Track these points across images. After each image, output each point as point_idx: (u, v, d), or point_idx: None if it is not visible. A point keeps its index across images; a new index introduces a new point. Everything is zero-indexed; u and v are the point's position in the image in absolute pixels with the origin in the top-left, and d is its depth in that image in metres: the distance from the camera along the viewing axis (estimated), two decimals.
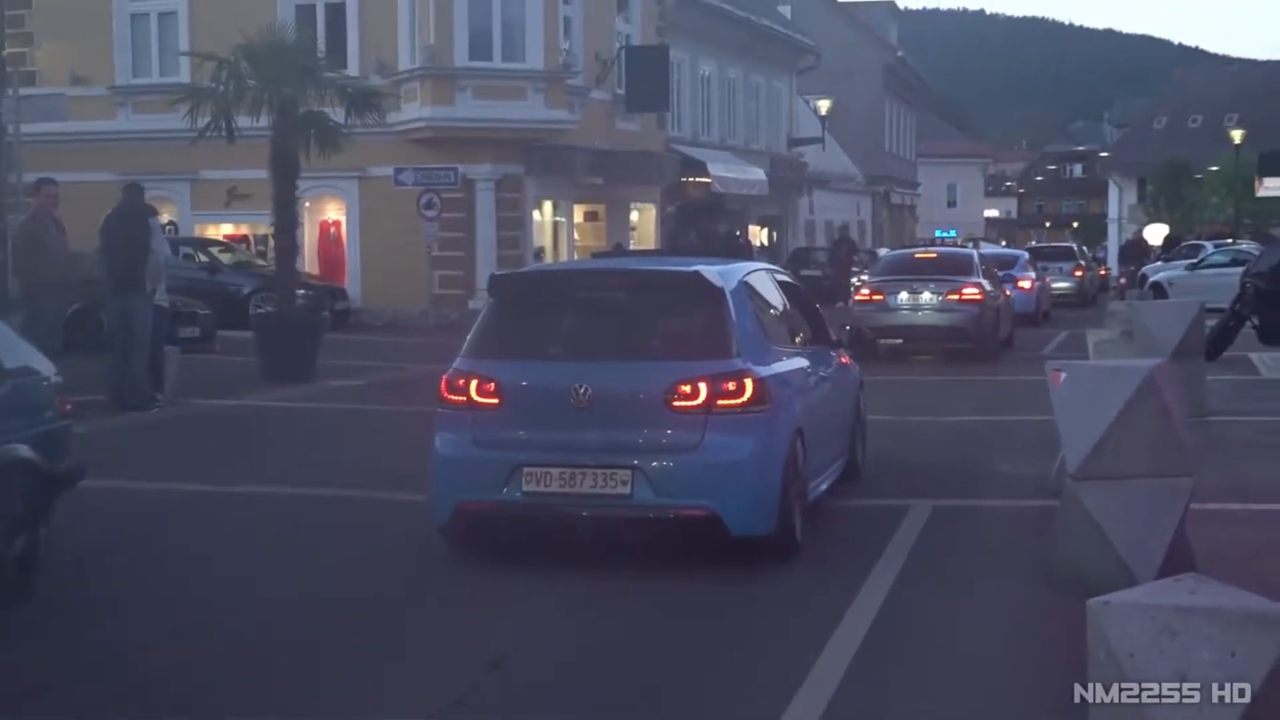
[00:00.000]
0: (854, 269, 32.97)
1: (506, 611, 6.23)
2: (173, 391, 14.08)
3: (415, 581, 6.92)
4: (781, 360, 7.72)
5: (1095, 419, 5.95)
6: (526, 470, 7.00)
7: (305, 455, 10.99)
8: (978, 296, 19.24)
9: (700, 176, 33.13)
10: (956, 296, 19.09)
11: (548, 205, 28.69)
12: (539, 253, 27.67)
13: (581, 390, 6.98)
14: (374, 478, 9.58)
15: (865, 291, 20.08)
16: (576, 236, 30.22)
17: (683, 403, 6.97)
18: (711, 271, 7.54)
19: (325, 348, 16.45)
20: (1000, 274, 22.96)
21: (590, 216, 30.88)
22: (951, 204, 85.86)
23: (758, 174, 36.41)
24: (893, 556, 7.14)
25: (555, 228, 28.97)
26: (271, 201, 16.58)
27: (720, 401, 6.98)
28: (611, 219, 30.89)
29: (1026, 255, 29.59)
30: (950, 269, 20.01)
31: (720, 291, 7.37)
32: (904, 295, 19.22)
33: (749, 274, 8.10)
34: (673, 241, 30.76)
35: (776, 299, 8.50)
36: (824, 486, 8.42)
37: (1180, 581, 3.62)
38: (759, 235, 41.11)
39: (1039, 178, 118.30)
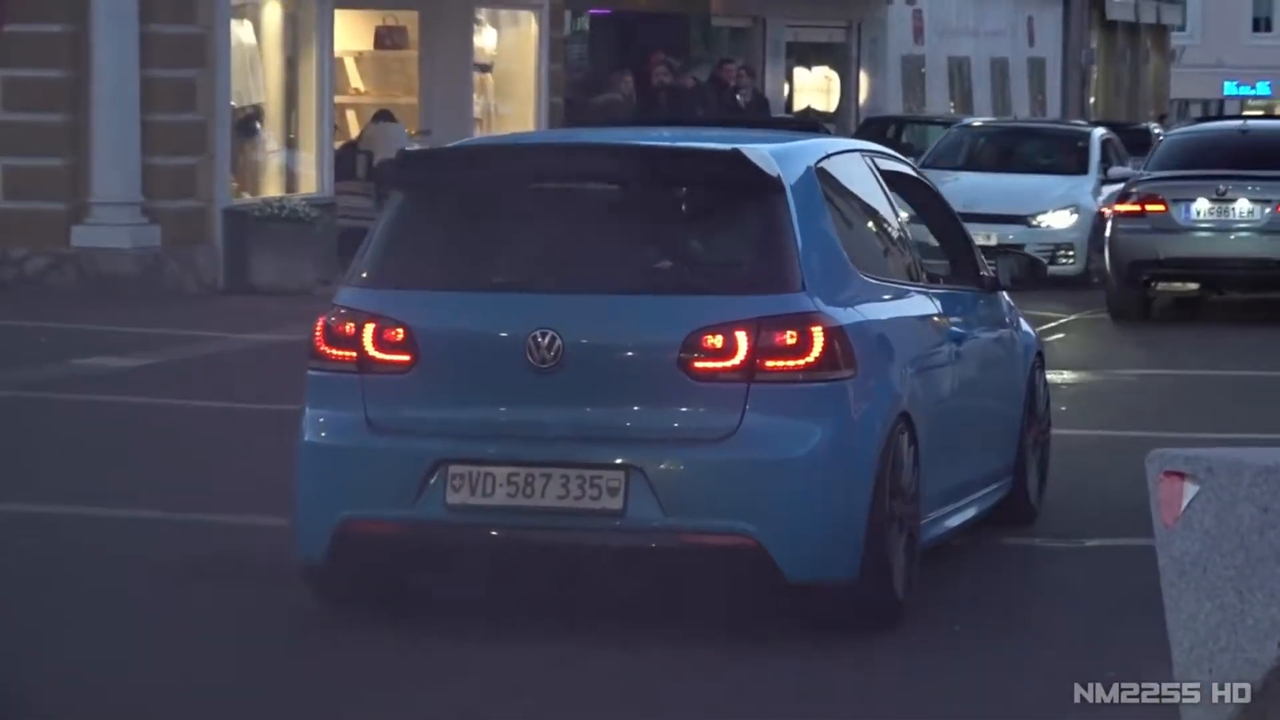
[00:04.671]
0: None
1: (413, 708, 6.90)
2: None
3: None
4: (879, 300, 7.99)
5: (1257, 594, 5.36)
6: (454, 469, 7.47)
7: None
8: None
9: None
10: None
11: (272, 11, 25.24)
12: (250, 116, 24.25)
13: (545, 340, 7.40)
14: None
15: (1133, 199, 20.56)
16: (357, 84, 27.08)
17: (709, 363, 7.40)
18: (761, 151, 7.77)
19: None
20: None
21: (387, 40, 27.63)
22: (1263, 25, 77.76)
23: None
24: None
25: (291, 60, 25.25)
26: None
27: (770, 362, 7.40)
28: (434, 43, 27.07)
29: None
30: None
31: (775, 182, 7.65)
32: (1202, 204, 20.41)
33: (826, 157, 8.33)
34: (582, 96, 28.64)
35: (879, 202, 8.71)
36: (957, 522, 8.58)
37: None
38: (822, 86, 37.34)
39: None
